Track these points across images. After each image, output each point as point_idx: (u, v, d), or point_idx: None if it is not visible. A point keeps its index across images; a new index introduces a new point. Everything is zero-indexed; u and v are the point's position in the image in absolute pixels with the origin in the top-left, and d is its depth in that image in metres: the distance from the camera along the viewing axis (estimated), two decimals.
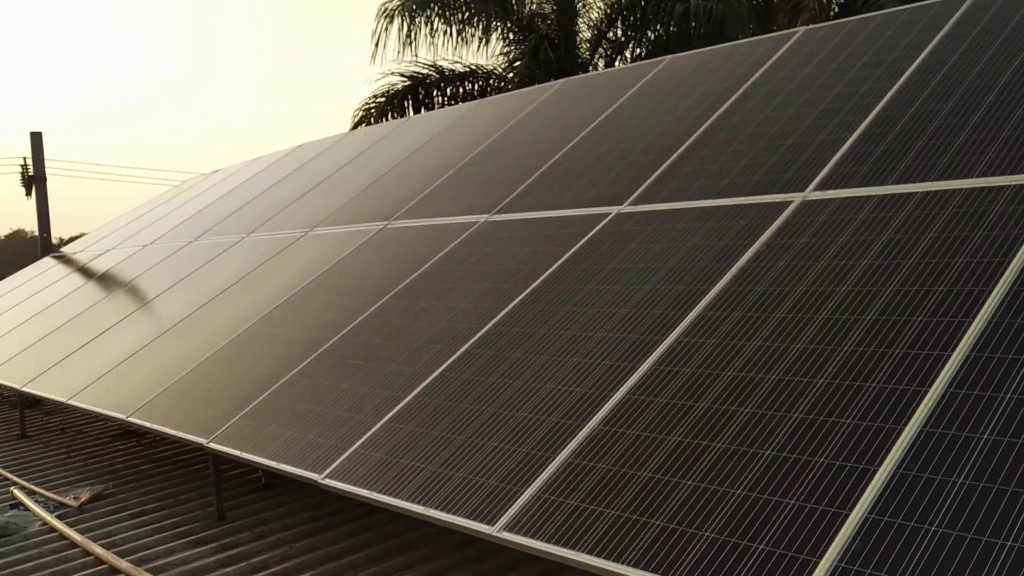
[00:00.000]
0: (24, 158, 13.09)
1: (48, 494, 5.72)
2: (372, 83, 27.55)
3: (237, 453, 4.12)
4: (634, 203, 4.56)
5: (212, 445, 4.30)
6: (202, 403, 4.80)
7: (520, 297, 4.21)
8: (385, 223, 6.12)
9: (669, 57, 6.33)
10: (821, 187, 3.82)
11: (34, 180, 13.03)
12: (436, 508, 3.03)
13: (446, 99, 14.76)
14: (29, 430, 7.87)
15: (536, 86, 7.45)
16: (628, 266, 3.98)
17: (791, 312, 3.12)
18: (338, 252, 6.02)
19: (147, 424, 4.87)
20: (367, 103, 14.89)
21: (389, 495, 3.23)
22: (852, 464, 2.40)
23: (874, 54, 4.74)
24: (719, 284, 3.49)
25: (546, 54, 12.85)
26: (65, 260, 10.89)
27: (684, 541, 2.42)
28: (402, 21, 14.06)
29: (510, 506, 2.86)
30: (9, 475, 6.33)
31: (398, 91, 14.68)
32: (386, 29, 14.10)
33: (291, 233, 6.92)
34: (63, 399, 5.76)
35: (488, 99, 7.83)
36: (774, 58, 5.35)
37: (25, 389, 6.40)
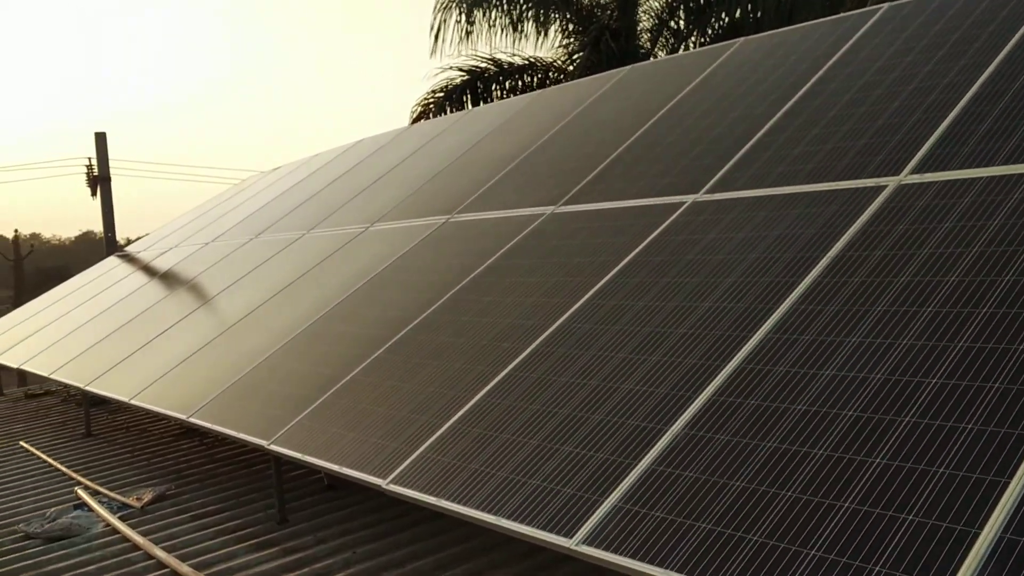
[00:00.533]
0: (89, 158, 13.25)
1: (112, 494, 5.67)
2: (430, 78, 27.48)
3: (299, 456, 3.97)
4: (711, 191, 4.30)
5: (273, 447, 4.17)
6: (263, 403, 4.67)
7: (591, 292, 3.99)
8: (448, 217, 5.94)
9: (741, 40, 6.04)
10: (918, 170, 3.53)
11: (99, 180, 13.17)
12: (508, 518, 2.83)
13: (505, 93, 14.56)
14: (94, 428, 7.89)
15: (602, 73, 7.21)
16: (707, 258, 3.73)
17: (894, 305, 2.85)
18: (400, 247, 5.86)
19: (208, 425, 4.76)
20: (425, 99, 14.78)
21: (458, 503, 3.04)
22: (978, 475, 2.14)
23: (968, 28, 4.41)
24: (810, 276, 3.23)
25: (607, 44, 12.57)
26: (128, 259, 10.96)
27: (787, 559, 2.18)
28: (460, 14, 13.91)
29: (589, 517, 2.65)
30: (74, 475, 6.31)
31: (456, 86, 14.53)
32: (444, 22, 13.97)
33: (352, 229, 6.80)
34: (125, 399, 5.71)
35: (551, 88, 7.60)
36: (856, 36, 5.04)
37: (89, 388, 6.37)
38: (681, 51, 14.24)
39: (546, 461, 3.00)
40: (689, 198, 4.36)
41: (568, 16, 14.16)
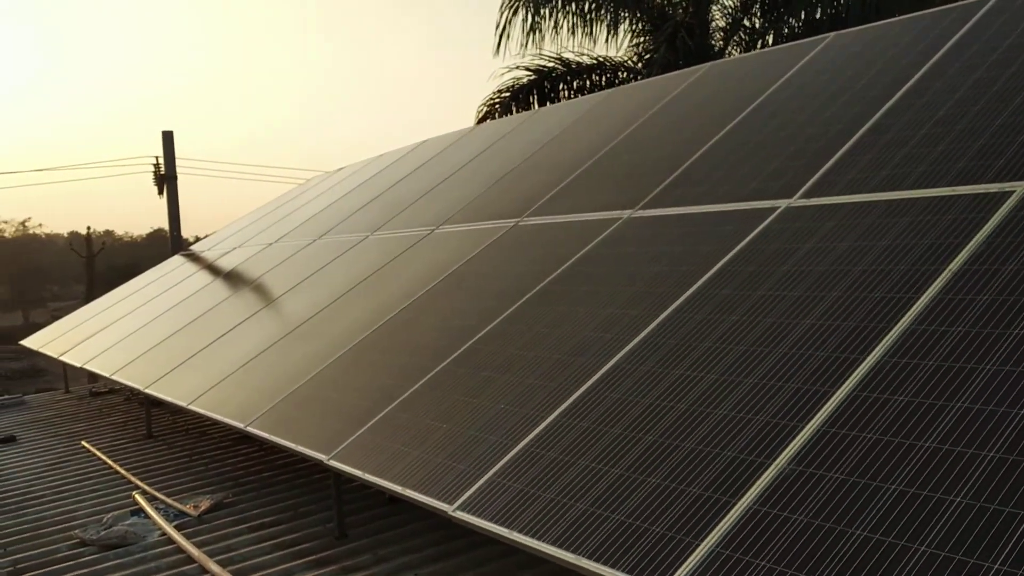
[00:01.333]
0: (156, 157, 13.30)
1: (169, 501, 5.52)
2: (496, 78, 27.29)
3: (359, 473, 3.74)
4: (806, 196, 3.96)
5: (333, 463, 3.94)
6: (323, 415, 4.46)
7: (675, 305, 3.67)
8: (516, 220, 5.68)
9: (832, 34, 5.66)
10: None
11: (165, 179, 13.22)
12: (590, 558, 2.54)
13: (572, 93, 14.26)
14: (155, 430, 7.81)
15: (677, 72, 6.87)
16: (807, 269, 3.39)
17: None
18: (466, 251, 5.61)
19: (265, 435, 4.57)
20: (491, 99, 14.56)
21: (532, 536, 2.77)
22: None
23: None
24: (930, 290, 2.89)
25: (683, 41, 12.18)
26: (193, 258, 10.94)
27: None
28: (527, 13, 13.65)
29: (682, 561, 2.34)
30: (133, 478, 6.20)
31: (523, 85, 14.27)
32: (510, 21, 13.72)
33: (416, 231, 6.57)
34: (183, 403, 5.56)
35: (624, 87, 7.28)
36: (964, 29, 4.63)
37: (148, 391, 6.25)
38: (758, 49, 13.79)
39: (630, 494, 2.71)
40: (782, 203, 4.02)
41: (639, 15, 13.80)
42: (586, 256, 4.64)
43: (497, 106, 14.41)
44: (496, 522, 2.93)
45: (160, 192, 13.33)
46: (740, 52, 14.08)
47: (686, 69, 6.74)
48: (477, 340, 4.33)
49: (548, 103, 14.20)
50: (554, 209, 5.52)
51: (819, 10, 12.77)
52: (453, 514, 3.13)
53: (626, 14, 13.79)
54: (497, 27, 13.81)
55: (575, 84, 14.10)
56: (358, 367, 4.78)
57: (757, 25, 13.76)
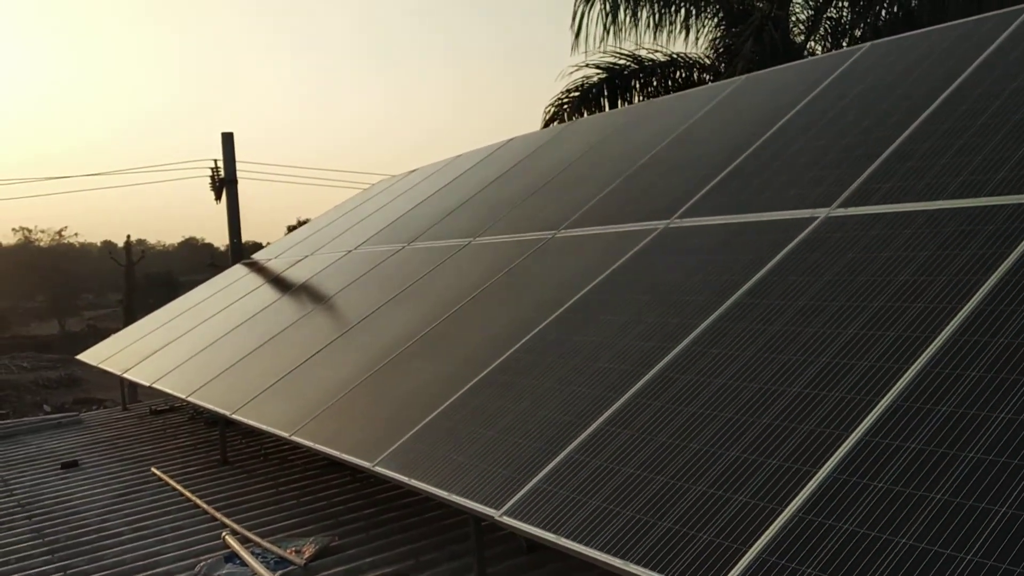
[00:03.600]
0: (215, 160, 12.65)
1: (266, 544, 4.83)
2: (565, 77, 26.25)
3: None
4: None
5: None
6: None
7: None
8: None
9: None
10: None
11: (225, 183, 12.55)
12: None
13: (646, 93, 13.52)
14: (230, 454, 7.15)
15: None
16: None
17: None
18: (615, 257, 4.88)
19: (402, 478, 3.85)
20: (559, 98, 13.83)
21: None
22: None
23: None
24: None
25: (770, 35, 11.40)
26: (257, 268, 10.31)
27: None
28: (603, 5, 12.92)
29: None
30: (217, 514, 5.53)
31: (593, 84, 13.53)
32: (586, 15, 13.00)
33: (531, 236, 5.85)
34: (285, 434, 4.87)
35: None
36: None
37: (236, 416, 5.58)
38: (844, 46, 12.99)
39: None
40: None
41: (718, 7, 13.04)
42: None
43: (566, 107, 13.68)
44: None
45: (218, 198, 12.69)
46: (824, 49, 13.28)
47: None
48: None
49: (621, 103, 13.46)
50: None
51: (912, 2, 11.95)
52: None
53: (707, 9, 13.04)
54: (572, 22, 13.10)
55: (653, 82, 13.34)
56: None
57: (844, 17, 12.95)
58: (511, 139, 8.88)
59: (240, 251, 12.53)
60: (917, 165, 3.83)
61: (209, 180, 12.61)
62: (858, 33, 12.79)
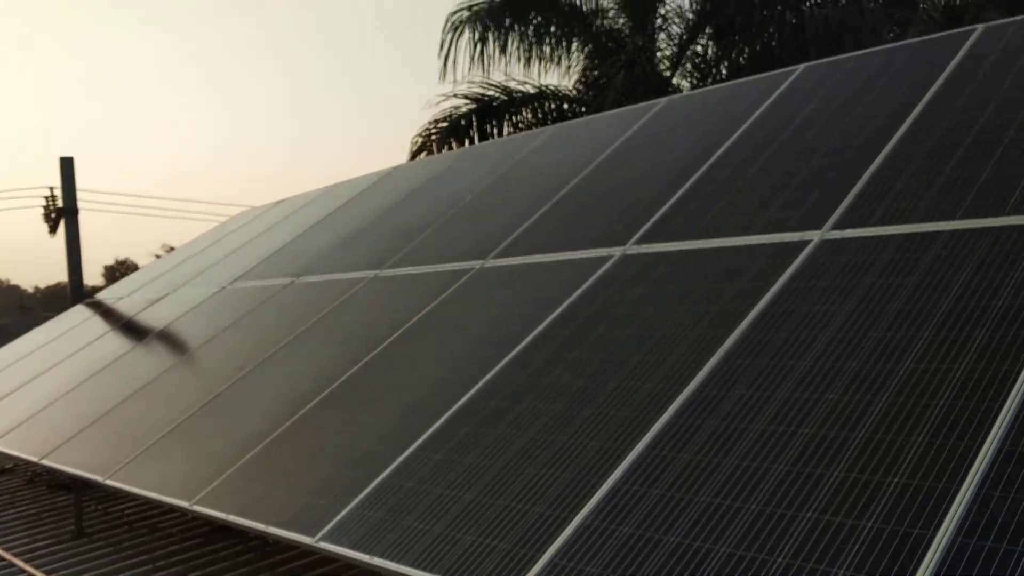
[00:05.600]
0: (51, 188, 11.30)
1: None
2: (432, 107, 25.80)
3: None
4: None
5: (196, 507, 3.84)
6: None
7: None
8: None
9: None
10: (839, 226, 3.48)
11: (63, 213, 11.21)
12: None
13: (517, 124, 13.25)
14: (87, 523, 6.16)
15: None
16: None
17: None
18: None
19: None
20: (427, 129, 13.37)
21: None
22: None
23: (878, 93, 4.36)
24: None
25: (643, 68, 11.37)
26: (102, 309, 9.23)
27: None
28: (472, 34, 12.59)
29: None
30: None
31: (462, 115, 13.15)
32: (455, 43, 12.61)
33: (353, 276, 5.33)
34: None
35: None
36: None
37: (110, 482, 4.73)
38: (711, 83, 13.20)
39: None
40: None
41: (588, 41, 12.97)
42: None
43: (434, 138, 13.23)
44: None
45: (53, 230, 11.33)
46: (691, 83, 13.45)
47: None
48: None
49: (495, 134, 13.12)
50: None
51: (777, 37, 12.28)
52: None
53: (577, 40, 12.93)
54: (441, 48, 12.68)
55: (525, 113, 13.08)
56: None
57: (709, 55, 13.17)
58: (397, 166, 8.33)
59: (81, 290, 11.24)
60: (699, 207, 4.24)
61: (43, 211, 11.28)
62: (724, 70, 13.03)
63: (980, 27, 4.54)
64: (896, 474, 2.25)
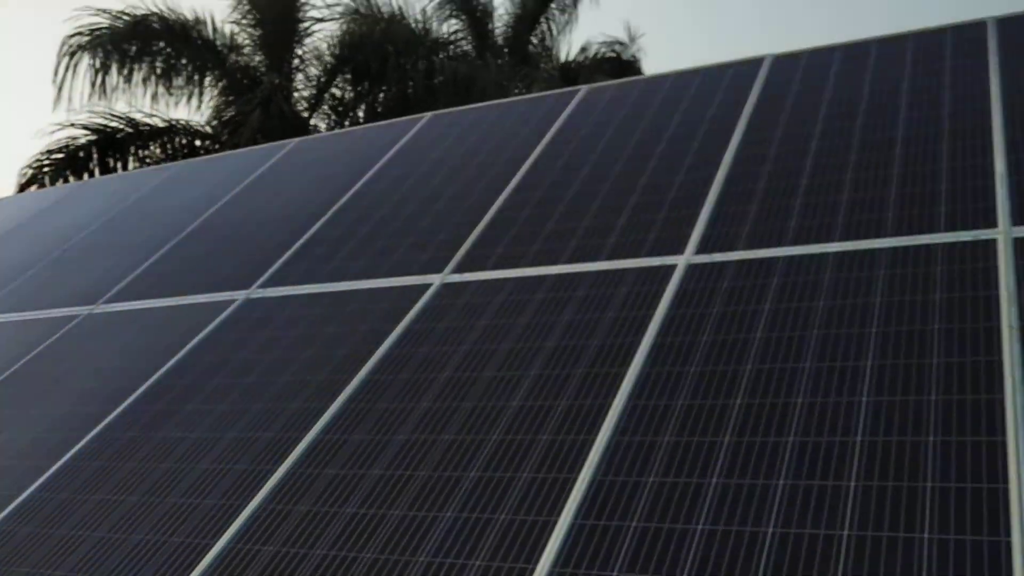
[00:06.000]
0: None
1: None
2: (46, 136, 23.31)
3: None
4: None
5: None
6: None
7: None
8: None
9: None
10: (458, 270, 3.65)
11: None
12: None
13: (144, 158, 12.41)
14: None
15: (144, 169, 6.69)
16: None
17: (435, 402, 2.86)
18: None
19: None
20: (39, 159, 12.09)
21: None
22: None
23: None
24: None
25: (279, 107, 11.19)
26: None
27: None
28: (93, 60, 11.62)
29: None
30: None
31: (81, 146, 12.08)
32: (72, 69, 11.55)
33: None
34: None
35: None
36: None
37: None
38: (347, 125, 13.32)
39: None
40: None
41: (221, 76, 12.53)
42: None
43: (47, 169, 11.99)
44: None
45: None
46: (328, 124, 13.49)
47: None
48: None
49: (117, 169, 12.17)
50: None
51: (411, 84, 12.71)
52: None
53: (210, 74, 12.43)
54: (56, 73, 11.52)
55: (153, 148, 12.28)
56: None
57: (346, 97, 13.31)
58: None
59: None
60: (328, 250, 4.23)
61: None
62: (361, 113, 13.22)
63: (585, 88, 5.04)
64: (503, 511, 2.33)
